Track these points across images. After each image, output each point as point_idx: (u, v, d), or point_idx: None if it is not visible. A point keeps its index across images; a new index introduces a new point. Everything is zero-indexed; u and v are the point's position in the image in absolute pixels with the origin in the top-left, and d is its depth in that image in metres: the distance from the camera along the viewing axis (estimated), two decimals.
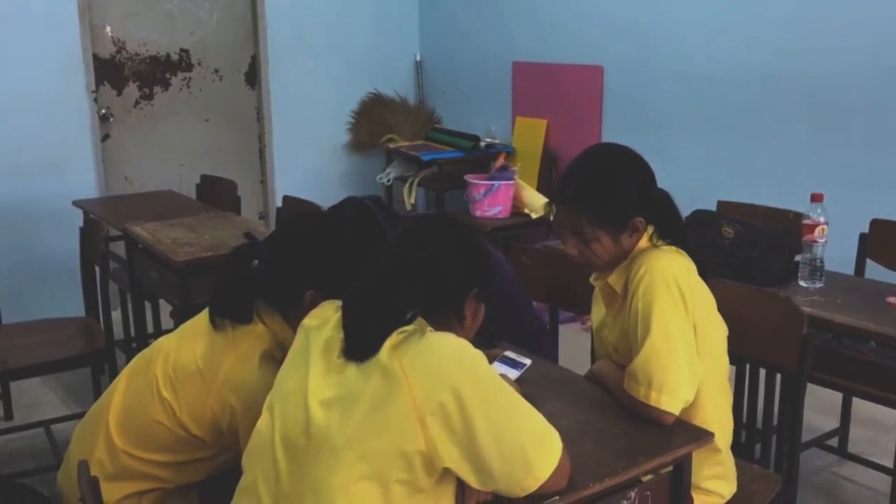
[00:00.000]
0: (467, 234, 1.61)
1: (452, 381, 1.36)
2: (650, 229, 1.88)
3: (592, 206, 1.83)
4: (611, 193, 1.84)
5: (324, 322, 1.54)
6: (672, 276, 1.77)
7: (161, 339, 1.93)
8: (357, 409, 1.38)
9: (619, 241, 1.85)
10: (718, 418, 1.91)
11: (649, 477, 1.66)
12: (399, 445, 1.35)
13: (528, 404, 1.46)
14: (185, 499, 1.86)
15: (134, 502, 1.79)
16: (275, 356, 1.79)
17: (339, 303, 1.54)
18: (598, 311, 2.04)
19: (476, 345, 1.46)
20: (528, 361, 1.92)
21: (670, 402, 1.72)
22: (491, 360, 1.59)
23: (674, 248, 1.86)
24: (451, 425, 1.35)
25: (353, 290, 1.50)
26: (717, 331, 1.91)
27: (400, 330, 1.42)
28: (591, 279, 2.00)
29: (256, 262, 1.87)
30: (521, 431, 1.40)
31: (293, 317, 1.78)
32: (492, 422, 1.37)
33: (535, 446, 1.41)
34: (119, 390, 1.88)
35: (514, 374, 1.87)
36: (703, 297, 1.86)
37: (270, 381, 1.61)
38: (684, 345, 1.76)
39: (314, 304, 1.74)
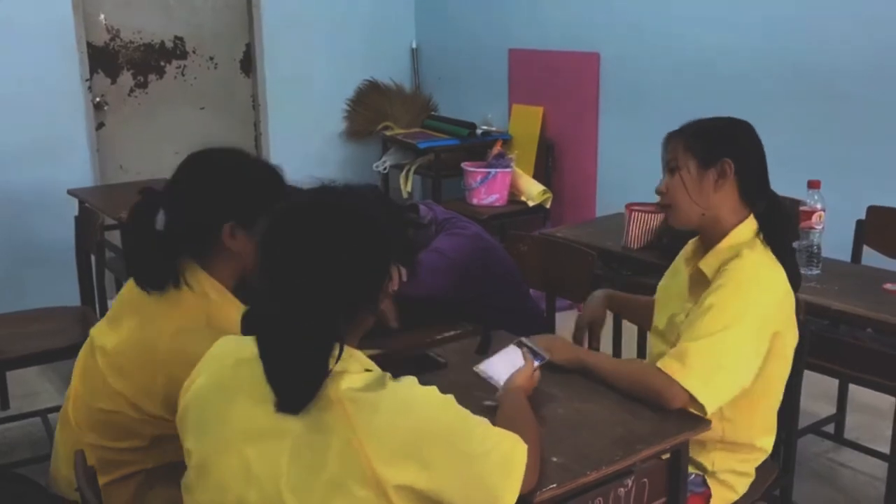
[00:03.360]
0: (351, 212, 1.36)
1: (420, 450, 1.25)
2: (755, 225, 1.87)
3: (692, 133, 1.90)
4: (712, 130, 1.91)
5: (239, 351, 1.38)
6: (769, 283, 1.80)
7: (93, 330, 1.86)
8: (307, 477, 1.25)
9: (705, 178, 1.85)
10: (766, 427, 1.96)
11: (647, 464, 1.66)
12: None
13: (490, 434, 1.35)
14: (171, 480, 1.86)
15: (119, 486, 1.77)
16: (211, 319, 1.72)
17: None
18: (671, 305, 2.00)
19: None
20: (547, 356, 1.86)
21: (702, 392, 1.72)
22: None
23: (775, 257, 1.85)
24: (417, 494, 1.26)
25: (265, 328, 1.29)
26: (793, 339, 1.92)
27: (352, 379, 1.28)
28: (682, 262, 1.98)
29: (161, 213, 1.74)
30: (486, 469, 1.31)
31: (219, 262, 1.75)
32: (460, 474, 1.28)
33: (500, 477, 1.33)
34: (73, 389, 1.85)
35: (535, 363, 1.80)
36: (790, 307, 1.87)
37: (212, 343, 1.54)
38: (741, 360, 1.76)
39: (235, 237, 1.72)
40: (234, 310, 1.73)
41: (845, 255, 3.03)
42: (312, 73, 5.40)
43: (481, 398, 1.79)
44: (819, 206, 2.59)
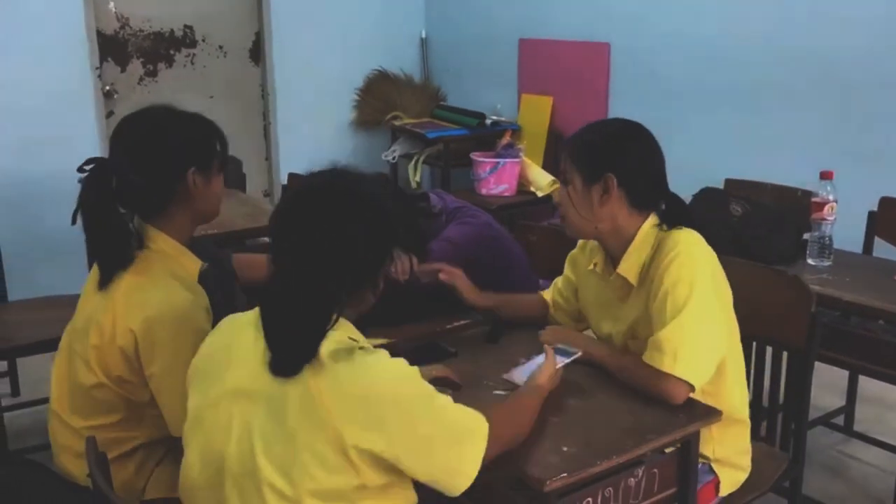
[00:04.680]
0: (358, 192, 1.44)
1: (379, 415, 1.32)
2: (655, 219, 1.86)
3: (577, 146, 1.87)
4: (596, 143, 1.85)
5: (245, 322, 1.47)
6: (705, 259, 1.80)
7: (68, 326, 1.91)
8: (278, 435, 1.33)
9: (589, 194, 1.82)
10: (742, 393, 1.95)
11: (657, 454, 1.66)
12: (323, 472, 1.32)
13: (450, 411, 1.41)
14: (175, 458, 1.88)
15: (117, 467, 1.78)
16: (168, 271, 1.78)
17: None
18: (600, 312, 2.00)
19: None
20: (579, 352, 1.85)
21: (694, 376, 1.72)
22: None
23: (691, 230, 1.84)
24: (377, 459, 1.32)
25: (269, 295, 1.39)
26: (729, 295, 1.91)
27: (332, 343, 1.35)
28: (591, 269, 1.97)
29: (115, 179, 1.77)
30: (444, 440, 1.38)
31: (173, 217, 1.81)
32: (418, 446, 1.35)
33: (458, 450, 1.40)
34: (54, 381, 1.89)
35: (562, 360, 1.79)
36: (724, 280, 1.88)
37: (174, 298, 1.68)
38: (713, 328, 1.77)
39: (198, 183, 1.80)
40: (190, 262, 1.85)
41: (857, 247, 3.01)
42: (322, 63, 5.39)
43: (492, 388, 1.79)
44: (831, 197, 2.57)
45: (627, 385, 1.79)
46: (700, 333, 1.74)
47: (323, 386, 1.32)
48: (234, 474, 1.36)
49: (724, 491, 1.94)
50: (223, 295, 1.96)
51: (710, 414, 1.72)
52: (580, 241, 2.09)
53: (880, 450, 2.99)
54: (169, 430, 1.78)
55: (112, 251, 1.77)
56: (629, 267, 1.85)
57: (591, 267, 1.98)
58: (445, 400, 1.42)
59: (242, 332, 1.44)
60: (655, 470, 1.66)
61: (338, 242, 1.37)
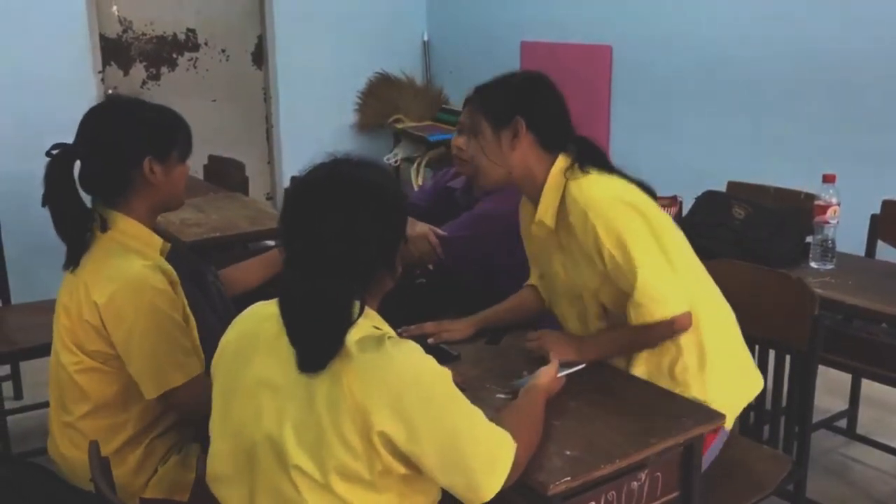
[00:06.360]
0: (366, 180, 1.43)
1: (406, 408, 1.30)
2: (564, 162, 1.89)
3: (483, 96, 1.93)
4: (502, 90, 1.93)
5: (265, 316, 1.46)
6: (612, 196, 1.82)
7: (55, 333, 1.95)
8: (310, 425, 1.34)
9: (499, 140, 1.88)
10: (717, 307, 1.96)
11: (660, 457, 1.65)
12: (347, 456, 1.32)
13: (480, 421, 1.39)
14: (179, 460, 1.90)
15: (120, 461, 1.81)
16: (137, 251, 1.84)
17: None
18: (552, 261, 2.01)
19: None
20: (582, 364, 1.85)
21: (680, 305, 1.78)
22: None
23: (597, 170, 1.88)
24: (398, 451, 1.32)
25: (287, 292, 1.37)
26: (675, 230, 1.93)
27: (358, 332, 1.34)
28: (532, 227, 1.97)
29: (78, 163, 1.86)
30: (470, 454, 1.35)
31: (134, 203, 1.86)
32: (441, 447, 1.33)
33: (483, 469, 1.37)
34: (51, 382, 1.94)
35: (563, 371, 1.79)
36: (645, 200, 1.88)
37: (132, 268, 1.75)
38: (662, 254, 1.80)
39: (154, 174, 1.85)
40: (153, 240, 1.90)
41: (859, 250, 3.01)
42: (324, 66, 5.40)
43: (494, 391, 1.79)
44: (834, 200, 2.57)
45: (631, 387, 1.79)
46: (659, 269, 1.79)
47: (351, 375, 1.31)
48: (264, 460, 1.37)
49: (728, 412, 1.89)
50: (218, 319, 1.97)
51: (713, 417, 1.72)
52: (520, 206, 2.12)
53: (883, 453, 2.99)
54: (157, 414, 1.85)
55: (72, 233, 1.84)
56: (544, 210, 1.89)
57: (527, 222, 2.02)
58: (476, 411, 1.39)
59: (266, 324, 1.43)
60: (659, 473, 1.65)
61: (348, 231, 1.35)
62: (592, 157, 1.90)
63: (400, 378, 1.32)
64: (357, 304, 1.34)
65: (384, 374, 1.32)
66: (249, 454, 1.40)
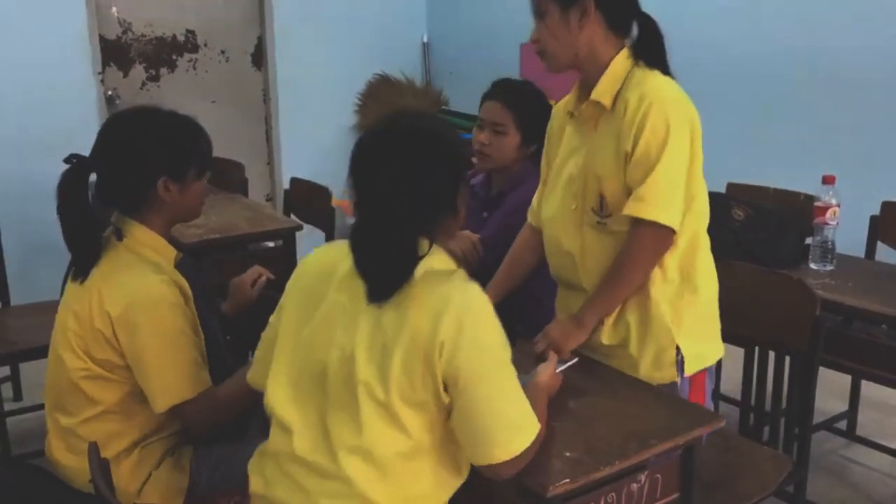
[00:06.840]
0: (424, 129, 1.56)
1: (462, 332, 1.39)
2: (628, 52, 1.90)
3: None
4: None
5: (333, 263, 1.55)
6: (680, 101, 1.85)
7: (53, 329, 1.94)
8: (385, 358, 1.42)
9: (568, 20, 1.88)
10: (708, 261, 1.96)
11: (660, 459, 1.65)
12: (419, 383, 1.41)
13: (515, 380, 1.46)
14: (174, 463, 1.89)
15: (115, 465, 1.78)
16: (150, 261, 1.83)
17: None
18: (566, 154, 2.02)
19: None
20: (575, 359, 1.88)
21: (672, 218, 1.79)
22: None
23: (666, 78, 1.89)
24: (447, 368, 1.40)
25: (357, 232, 1.49)
26: (699, 133, 1.94)
27: (425, 266, 1.44)
28: (584, 107, 1.96)
29: (93, 176, 1.84)
30: (497, 420, 1.42)
31: (151, 214, 1.86)
32: (477, 397, 1.41)
33: (504, 434, 1.43)
34: (46, 386, 1.93)
35: (559, 366, 1.81)
36: (698, 128, 1.91)
37: (147, 281, 1.74)
38: (684, 174, 1.83)
39: (169, 192, 1.84)
40: (167, 250, 1.90)
41: (859, 251, 3.01)
42: (324, 67, 5.40)
43: None
44: (834, 201, 2.57)
45: (631, 388, 1.79)
46: (675, 178, 1.81)
47: (415, 303, 1.41)
48: (334, 380, 1.45)
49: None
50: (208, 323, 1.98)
51: (712, 419, 1.71)
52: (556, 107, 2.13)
53: (883, 454, 2.99)
54: (160, 423, 1.84)
55: (81, 244, 1.83)
56: (603, 90, 1.89)
57: (570, 109, 2.02)
58: (517, 382, 1.46)
59: (342, 262, 1.52)
60: (658, 475, 1.65)
61: (412, 174, 1.46)
62: (655, 47, 1.92)
63: (460, 308, 1.40)
64: (426, 242, 1.46)
65: (446, 303, 1.40)
66: (320, 377, 1.48)
